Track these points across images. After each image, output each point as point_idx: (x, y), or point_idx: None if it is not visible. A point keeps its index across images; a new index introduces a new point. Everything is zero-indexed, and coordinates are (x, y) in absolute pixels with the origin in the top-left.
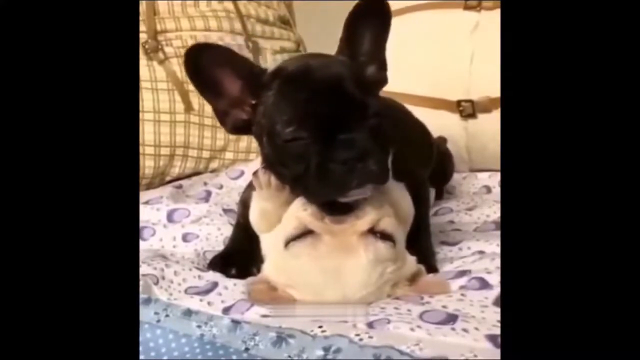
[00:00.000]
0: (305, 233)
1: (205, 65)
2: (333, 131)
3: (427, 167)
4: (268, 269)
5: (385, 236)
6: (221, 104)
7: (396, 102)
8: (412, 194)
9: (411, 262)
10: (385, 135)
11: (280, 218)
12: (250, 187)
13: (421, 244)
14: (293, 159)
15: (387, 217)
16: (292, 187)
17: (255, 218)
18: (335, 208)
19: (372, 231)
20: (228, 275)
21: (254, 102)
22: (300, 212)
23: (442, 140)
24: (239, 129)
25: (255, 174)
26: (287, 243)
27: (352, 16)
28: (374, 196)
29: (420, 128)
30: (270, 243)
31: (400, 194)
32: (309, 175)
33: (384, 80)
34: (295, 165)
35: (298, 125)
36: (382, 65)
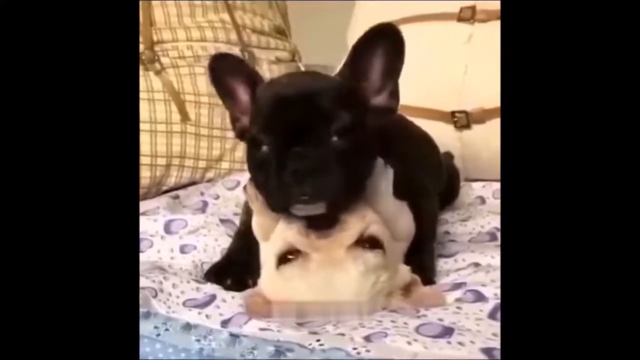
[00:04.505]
0: (294, 252)
1: (220, 72)
2: (291, 141)
3: (437, 183)
4: (263, 286)
5: (374, 244)
6: (233, 110)
7: (403, 118)
8: (416, 209)
9: (404, 272)
10: (358, 153)
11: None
12: None
13: (423, 259)
14: (258, 166)
15: (374, 224)
16: (262, 195)
17: (254, 228)
18: (320, 222)
19: (360, 241)
20: (223, 285)
21: None
22: (285, 231)
23: (449, 156)
24: (242, 135)
25: (245, 187)
26: (277, 264)
27: (360, 40)
28: (357, 206)
29: (428, 143)
30: (265, 257)
31: (398, 211)
32: (267, 183)
33: (392, 109)
34: (259, 172)
35: (264, 131)
36: (392, 94)
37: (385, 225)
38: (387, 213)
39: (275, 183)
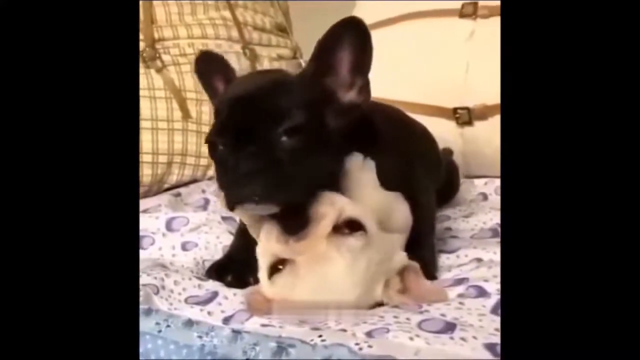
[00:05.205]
0: (282, 262)
1: (204, 73)
2: (242, 142)
3: (436, 179)
4: (263, 288)
5: (354, 227)
6: None
7: (402, 113)
8: (414, 204)
9: (401, 256)
10: (315, 151)
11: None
12: None
13: (423, 254)
14: (217, 166)
15: (347, 207)
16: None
17: (248, 228)
18: (293, 225)
19: (338, 228)
20: (224, 282)
21: None
22: (267, 242)
23: (448, 152)
24: None
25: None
26: (269, 276)
27: (325, 35)
28: (323, 196)
29: (427, 139)
30: (260, 265)
31: (392, 202)
32: (222, 182)
33: (360, 105)
34: (219, 174)
35: (218, 133)
36: (362, 89)
37: (385, 220)
38: (376, 205)
39: (229, 182)
